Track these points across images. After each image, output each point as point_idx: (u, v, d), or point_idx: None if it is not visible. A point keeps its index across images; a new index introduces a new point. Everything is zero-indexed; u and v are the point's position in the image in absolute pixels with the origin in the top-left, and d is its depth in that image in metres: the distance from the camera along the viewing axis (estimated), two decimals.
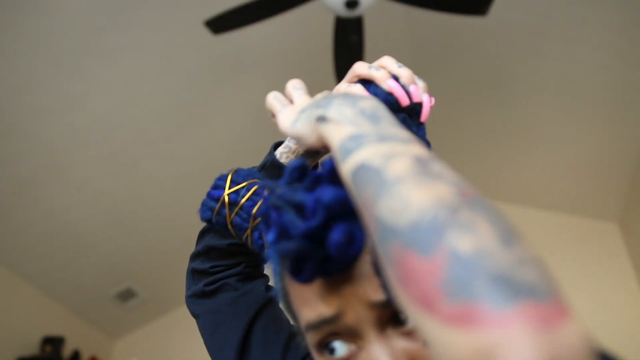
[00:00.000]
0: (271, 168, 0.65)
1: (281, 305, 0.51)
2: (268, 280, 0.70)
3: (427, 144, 0.56)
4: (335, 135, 0.39)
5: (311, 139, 0.44)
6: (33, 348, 2.88)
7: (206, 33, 1.97)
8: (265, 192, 0.58)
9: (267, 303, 0.66)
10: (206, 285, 0.67)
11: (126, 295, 3.30)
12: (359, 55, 2.04)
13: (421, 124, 0.54)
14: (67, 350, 3.07)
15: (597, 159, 2.78)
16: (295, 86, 0.52)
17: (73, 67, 2.22)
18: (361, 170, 0.34)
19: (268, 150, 0.67)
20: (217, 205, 0.59)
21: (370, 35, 2.21)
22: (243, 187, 0.59)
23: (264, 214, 0.41)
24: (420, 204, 0.29)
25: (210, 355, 0.66)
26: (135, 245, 3.06)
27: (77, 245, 2.90)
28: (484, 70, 2.66)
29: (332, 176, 0.40)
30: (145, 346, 3.48)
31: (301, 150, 0.64)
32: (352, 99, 0.42)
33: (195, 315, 0.68)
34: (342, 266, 0.40)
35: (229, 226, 0.60)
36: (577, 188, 3.00)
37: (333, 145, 0.39)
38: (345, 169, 0.35)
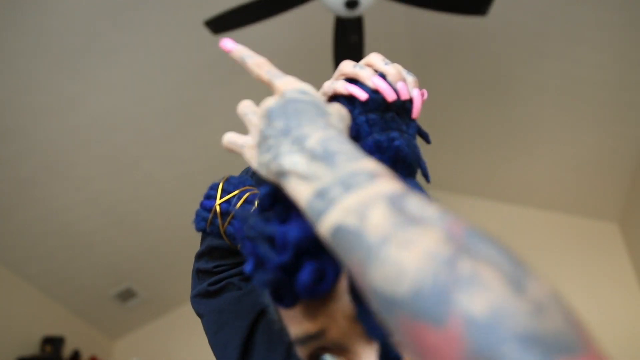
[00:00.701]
0: None
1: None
2: None
3: (425, 136, 0.56)
4: (299, 193, 0.36)
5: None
6: (33, 348, 2.88)
7: (206, 33, 1.97)
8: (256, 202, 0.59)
9: None
10: (210, 285, 0.68)
11: (126, 295, 3.31)
12: (359, 55, 2.04)
13: (412, 121, 0.54)
14: (67, 350, 3.07)
15: (597, 159, 2.78)
16: (244, 112, 0.46)
17: (73, 67, 2.22)
18: (339, 233, 0.31)
19: None
20: (210, 216, 0.60)
21: (370, 35, 2.21)
22: (234, 195, 0.59)
23: (242, 242, 0.41)
24: (414, 266, 0.27)
25: (215, 354, 0.66)
26: (135, 245, 3.06)
27: (77, 245, 2.90)
28: (484, 70, 2.66)
29: None
30: (145, 346, 3.48)
31: None
32: (296, 137, 0.38)
33: (199, 315, 0.68)
34: (320, 296, 0.39)
35: (223, 235, 0.60)
36: (577, 188, 3.00)
37: (300, 204, 0.36)
38: (322, 231, 0.33)
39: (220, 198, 0.60)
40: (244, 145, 0.45)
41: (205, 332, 0.67)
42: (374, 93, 0.51)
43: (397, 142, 0.51)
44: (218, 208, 0.59)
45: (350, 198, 0.32)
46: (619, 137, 2.59)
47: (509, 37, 2.43)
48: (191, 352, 3.17)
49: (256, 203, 0.56)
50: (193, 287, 0.70)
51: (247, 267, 0.40)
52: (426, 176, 0.56)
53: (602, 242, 3.00)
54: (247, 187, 0.61)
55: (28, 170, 2.46)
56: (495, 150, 3.08)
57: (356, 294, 0.39)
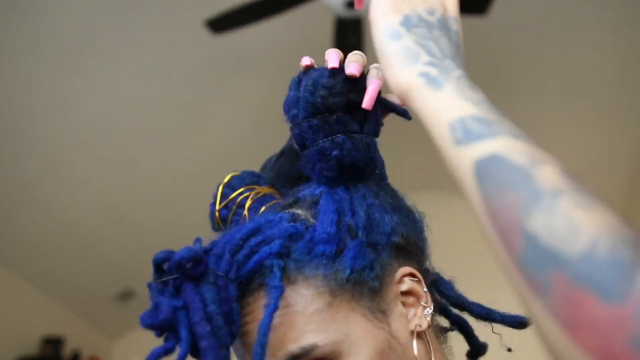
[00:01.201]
0: (289, 154, 0.65)
1: None
2: None
3: (404, 113, 0.52)
4: (447, 108, 0.33)
5: (394, 77, 0.38)
6: (33, 348, 2.88)
7: (206, 33, 1.97)
8: (250, 199, 0.57)
9: None
10: None
11: (126, 295, 3.30)
12: None
13: (365, 120, 0.50)
14: (67, 350, 3.07)
15: (597, 159, 2.78)
16: None
17: (73, 67, 2.22)
18: (496, 163, 0.29)
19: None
20: (215, 222, 0.60)
21: (370, 35, 2.21)
22: (231, 200, 0.58)
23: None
24: (592, 231, 0.25)
25: None
26: (135, 245, 3.06)
27: (77, 245, 2.90)
28: (484, 70, 2.65)
29: (183, 272, 0.43)
30: (145, 346, 3.47)
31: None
32: (472, 83, 0.36)
33: None
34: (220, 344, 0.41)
35: None
36: None
37: (438, 118, 0.34)
38: (469, 154, 0.31)
39: (220, 204, 0.58)
40: None
41: None
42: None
43: (335, 152, 0.48)
44: (217, 214, 0.59)
45: (519, 143, 0.30)
46: (619, 137, 2.59)
47: (509, 37, 2.42)
48: None
49: (246, 207, 0.56)
50: None
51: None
52: (382, 176, 0.53)
53: None
54: (243, 189, 0.59)
55: (28, 170, 2.46)
56: None
57: None
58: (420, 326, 0.46)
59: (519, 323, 0.51)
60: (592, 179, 2.88)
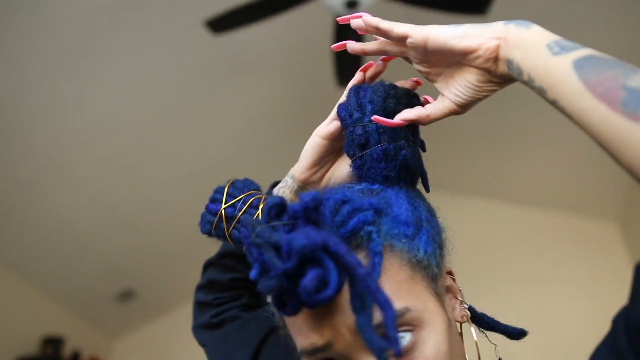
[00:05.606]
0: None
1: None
2: None
3: (421, 144, 0.59)
4: (541, 37, 0.44)
5: (483, 38, 0.46)
6: (33, 348, 2.88)
7: (206, 33, 1.97)
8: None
9: (275, 328, 0.67)
10: (212, 317, 0.70)
11: (126, 295, 3.31)
12: (358, 56, 2.03)
13: (417, 129, 0.57)
14: (67, 350, 3.07)
15: (597, 159, 2.77)
16: None
17: (73, 67, 2.23)
18: (593, 59, 0.41)
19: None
20: (215, 220, 0.61)
21: (370, 35, 2.21)
22: (239, 200, 0.60)
23: (248, 248, 0.42)
24: None
25: None
26: (135, 245, 3.06)
27: (77, 245, 2.90)
28: None
29: (307, 214, 0.41)
30: (145, 346, 3.48)
31: (296, 186, 0.66)
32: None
33: (202, 344, 0.71)
34: (323, 302, 0.39)
35: (228, 239, 0.62)
36: (577, 188, 3.00)
37: (536, 44, 0.43)
38: (565, 59, 0.42)
39: (226, 202, 0.61)
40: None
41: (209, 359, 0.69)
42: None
43: (403, 152, 0.53)
44: (223, 212, 0.60)
45: (602, 54, 0.42)
46: None
47: None
48: (191, 352, 3.17)
49: (260, 207, 0.58)
50: (194, 318, 0.73)
51: (253, 273, 0.40)
52: (426, 186, 0.58)
53: (602, 242, 3.00)
54: (251, 192, 0.62)
55: (28, 170, 2.46)
56: (496, 150, 3.08)
57: (355, 304, 0.39)
58: (464, 317, 0.52)
59: (519, 334, 0.56)
60: (592, 179, 2.88)
